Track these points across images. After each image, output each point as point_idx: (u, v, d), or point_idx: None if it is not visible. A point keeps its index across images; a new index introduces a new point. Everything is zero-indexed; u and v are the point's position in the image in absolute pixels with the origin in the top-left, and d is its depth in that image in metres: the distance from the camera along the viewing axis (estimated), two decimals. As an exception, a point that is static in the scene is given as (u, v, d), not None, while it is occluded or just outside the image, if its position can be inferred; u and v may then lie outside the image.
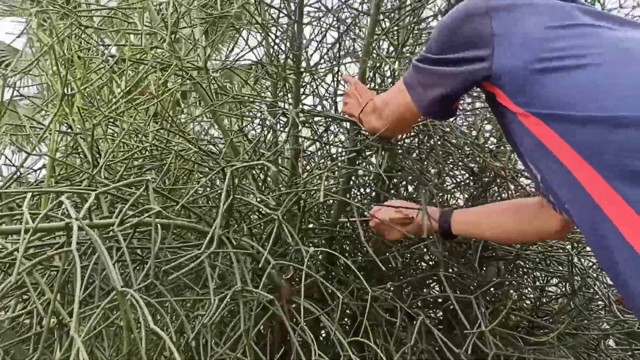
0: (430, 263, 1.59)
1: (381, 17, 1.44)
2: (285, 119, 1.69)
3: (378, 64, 1.54)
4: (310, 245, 1.45)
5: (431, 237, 1.30)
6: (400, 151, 1.42)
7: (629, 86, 0.78)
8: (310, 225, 1.49)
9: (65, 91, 1.23)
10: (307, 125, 1.60)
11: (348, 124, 1.43)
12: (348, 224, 1.45)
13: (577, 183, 0.81)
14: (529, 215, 1.13)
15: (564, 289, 1.53)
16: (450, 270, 1.44)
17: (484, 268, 1.51)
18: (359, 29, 1.68)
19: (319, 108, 1.66)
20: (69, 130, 1.30)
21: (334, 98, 1.68)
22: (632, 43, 0.83)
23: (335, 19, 1.65)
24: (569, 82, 0.81)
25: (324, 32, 1.66)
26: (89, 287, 1.01)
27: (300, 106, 1.61)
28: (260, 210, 1.32)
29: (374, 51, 1.45)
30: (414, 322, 1.27)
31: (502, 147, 1.58)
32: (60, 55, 1.27)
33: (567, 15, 0.87)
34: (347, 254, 1.58)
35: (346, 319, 1.58)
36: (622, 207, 0.76)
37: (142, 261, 1.11)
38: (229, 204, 0.99)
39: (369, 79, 1.54)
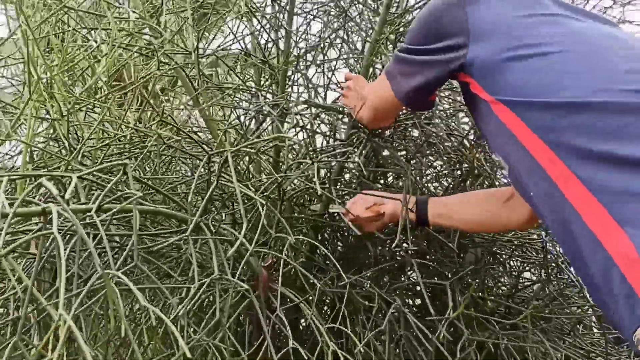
0: (409, 251, 1.61)
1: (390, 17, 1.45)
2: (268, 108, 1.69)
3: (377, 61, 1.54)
4: (294, 233, 1.45)
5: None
6: (384, 143, 1.43)
7: (587, 73, 0.82)
8: (295, 214, 1.49)
9: (42, 75, 1.21)
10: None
11: (345, 117, 1.44)
12: (328, 216, 1.46)
13: (540, 167, 0.84)
14: (497, 204, 1.16)
15: (538, 276, 1.55)
16: (428, 257, 1.46)
17: (462, 255, 1.53)
18: (362, 23, 1.67)
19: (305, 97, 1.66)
20: (47, 116, 1.28)
21: (324, 89, 1.68)
22: (593, 33, 0.87)
23: (337, 11, 1.66)
24: (533, 69, 0.85)
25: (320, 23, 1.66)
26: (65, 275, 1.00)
27: (289, 96, 1.62)
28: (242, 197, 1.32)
29: (380, 49, 1.45)
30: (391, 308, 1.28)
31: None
32: (39, 39, 1.25)
33: (539, 4, 0.91)
34: (326, 243, 1.59)
35: (326, 308, 1.59)
36: (581, 190, 0.79)
37: (120, 248, 1.10)
38: (209, 190, 0.99)
39: (371, 76, 1.55)
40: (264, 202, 0.92)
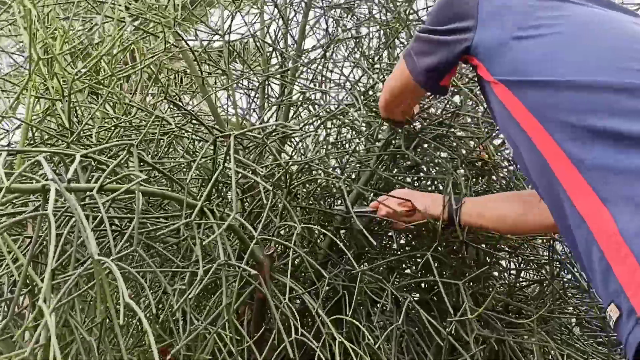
0: (407, 248, 1.58)
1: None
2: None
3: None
4: (309, 231, 1.43)
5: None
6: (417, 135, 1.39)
7: (583, 54, 0.84)
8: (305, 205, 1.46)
9: (41, 54, 1.18)
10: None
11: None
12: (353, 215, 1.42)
13: (534, 146, 0.86)
14: (529, 205, 1.14)
15: (540, 275, 1.53)
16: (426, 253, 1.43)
17: (465, 252, 1.50)
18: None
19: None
20: (46, 95, 1.24)
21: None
22: (595, 17, 0.89)
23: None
24: (530, 49, 0.88)
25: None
26: (62, 257, 0.97)
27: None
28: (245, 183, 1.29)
29: None
30: (399, 303, 1.27)
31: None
32: (38, 19, 1.21)
33: None
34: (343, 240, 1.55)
35: (326, 302, 1.57)
36: (569, 167, 0.80)
37: (120, 231, 1.07)
38: (214, 174, 0.96)
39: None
40: (270, 187, 0.89)
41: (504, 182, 1.49)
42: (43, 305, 0.54)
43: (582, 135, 0.80)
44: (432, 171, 1.52)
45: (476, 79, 1.05)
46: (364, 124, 1.52)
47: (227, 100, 1.63)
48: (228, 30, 1.43)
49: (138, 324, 1.12)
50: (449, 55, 1.00)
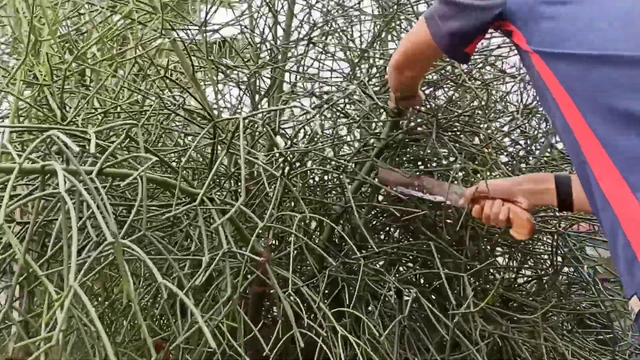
0: (406, 243, 1.56)
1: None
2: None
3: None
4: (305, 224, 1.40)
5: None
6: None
7: (609, 24, 0.80)
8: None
9: (33, 37, 1.13)
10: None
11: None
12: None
13: (567, 124, 0.82)
14: None
15: (541, 271, 1.53)
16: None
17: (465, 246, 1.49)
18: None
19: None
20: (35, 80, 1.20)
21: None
22: None
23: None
24: (563, 17, 0.83)
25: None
26: (56, 245, 0.92)
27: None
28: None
29: None
30: (401, 296, 1.24)
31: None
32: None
33: None
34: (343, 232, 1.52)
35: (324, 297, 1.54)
36: (598, 150, 0.76)
37: (116, 219, 1.03)
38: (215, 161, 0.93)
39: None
40: (277, 174, 0.86)
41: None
42: (75, 284, 0.50)
43: (613, 115, 0.75)
44: (433, 164, 1.49)
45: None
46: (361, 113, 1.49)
47: (216, 95, 1.59)
48: (206, 23, 1.39)
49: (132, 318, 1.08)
50: (476, 21, 0.94)
